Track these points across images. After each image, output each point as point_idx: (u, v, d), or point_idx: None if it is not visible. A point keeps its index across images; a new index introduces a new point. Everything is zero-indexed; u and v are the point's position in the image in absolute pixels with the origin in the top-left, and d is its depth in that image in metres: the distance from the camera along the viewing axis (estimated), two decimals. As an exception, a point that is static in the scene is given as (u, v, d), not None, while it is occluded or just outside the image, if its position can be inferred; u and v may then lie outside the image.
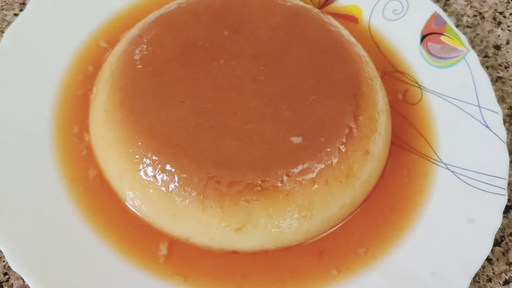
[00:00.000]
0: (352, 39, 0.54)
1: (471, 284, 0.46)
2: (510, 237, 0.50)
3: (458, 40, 0.57)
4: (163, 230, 0.45)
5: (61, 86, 0.51)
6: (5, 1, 0.60)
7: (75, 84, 0.52)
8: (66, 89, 0.51)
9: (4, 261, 0.44)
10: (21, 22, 0.52)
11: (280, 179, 0.43)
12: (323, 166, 0.44)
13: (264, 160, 0.43)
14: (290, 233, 0.45)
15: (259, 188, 0.43)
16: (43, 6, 0.54)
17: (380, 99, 0.51)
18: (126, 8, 0.58)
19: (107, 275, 0.42)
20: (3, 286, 0.43)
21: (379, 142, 0.49)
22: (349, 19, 0.61)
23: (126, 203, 0.46)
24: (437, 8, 0.58)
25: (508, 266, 0.48)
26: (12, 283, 0.43)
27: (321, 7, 0.61)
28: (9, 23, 0.58)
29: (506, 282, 0.47)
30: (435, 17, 0.58)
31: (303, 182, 0.44)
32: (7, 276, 0.44)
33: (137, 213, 0.45)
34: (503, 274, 0.48)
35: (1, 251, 0.44)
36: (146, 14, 0.55)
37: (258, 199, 0.43)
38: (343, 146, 0.45)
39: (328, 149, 0.44)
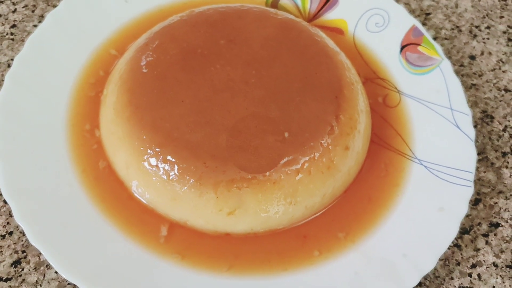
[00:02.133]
0: (336, 48, 0.60)
1: (441, 267, 0.51)
2: (478, 226, 0.55)
3: (434, 50, 0.62)
4: (164, 214, 0.50)
5: (75, 88, 0.57)
6: (25, 14, 0.67)
7: (88, 87, 0.58)
8: (80, 90, 0.57)
9: (22, 241, 0.50)
10: (40, 32, 0.58)
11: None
12: (306, 158, 0.50)
13: (255, 152, 0.49)
14: (276, 218, 0.50)
15: (249, 177, 0.48)
16: (60, 18, 0.60)
17: (361, 101, 0.57)
18: (133, 20, 0.64)
19: (114, 252, 0.47)
20: (21, 262, 0.49)
21: (358, 139, 0.54)
22: (335, 31, 0.67)
23: (132, 190, 0.51)
24: (415, 22, 0.64)
25: (475, 252, 0.53)
26: (30, 260, 0.49)
27: (310, 20, 0.67)
28: (29, 33, 0.65)
29: (473, 266, 0.52)
30: (413, 29, 0.64)
31: (289, 172, 0.49)
32: (25, 254, 0.49)
33: (141, 199, 0.51)
34: (471, 258, 0.53)
35: (21, 232, 0.50)
36: (151, 26, 0.61)
37: (248, 186, 0.48)
38: (325, 141, 0.51)
39: (312, 143, 0.50)
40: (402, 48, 0.64)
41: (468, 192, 0.52)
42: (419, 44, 0.63)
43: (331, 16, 0.67)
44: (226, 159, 0.48)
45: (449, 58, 0.68)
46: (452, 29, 0.72)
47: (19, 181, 0.48)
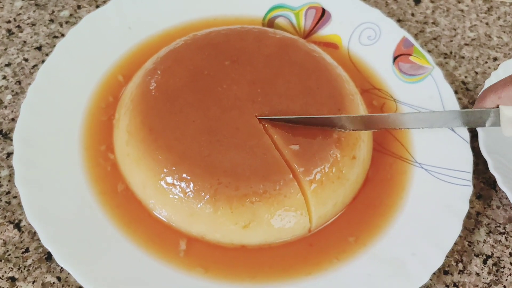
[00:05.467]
0: (333, 62, 0.64)
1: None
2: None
3: (424, 59, 0.66)
4: (181, 229, 0.52)
5: (87, 113, 0.59)
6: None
7: (99, 111, 0.60)
8: (91, 115, 0.59)
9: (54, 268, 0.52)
10: (50, 62, 0.61)
11: (278, 183, 0.51)
12: (318, 169, 0.52)
13: (264, 167, 0.52)
14: (289, 229, 0.52)
15: (261, 191, 0.51)
16: (68, 48, 0.62)
17: (361, 111, 0.60)
18: (137, 46, 0.67)
19: (137, 268, 0.49)
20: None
21: (363, 148, 0.57)
22: (330, 46, 0.70)
23: (150, 209, 0.53)
24: (405, 33, 0.68)
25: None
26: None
27: (305, 37, 0.71)
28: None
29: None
30: (403, 40, 0.68)
31: (301, 184, 0.52)
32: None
33: (159, 216, 0.53)
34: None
35: (49, 257, 0.52)
36: (155, 51, 0.64)
37: (261, 200, 0.51)
38: (333, 152, 0.54)
39: (321, 155, 0.53)
40: (395, 59, 0.67)
41: (468, 191, 0.55)
42: (410, 54, 0.67)
43: (325, 32, 0.71)
44: (238, 175, 0.51)
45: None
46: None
47: (42, 206, 0.50)
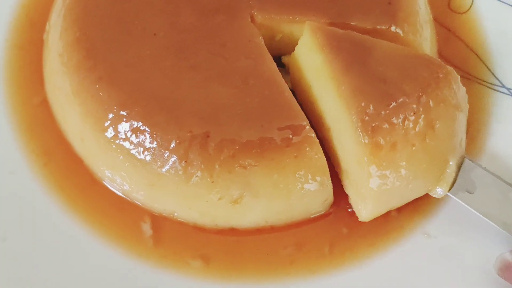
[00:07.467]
0: None
1: None
2: None
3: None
4: (142, 205, 0.36)
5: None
6: None
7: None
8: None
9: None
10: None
11: (286, 136, 0.32)
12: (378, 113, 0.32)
13: (265, 111, 0.33)
14: (302, 204, 0.34)
15: (259, 150, 0.32)
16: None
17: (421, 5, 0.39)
18: None
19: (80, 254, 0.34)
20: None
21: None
22: None
23: (95, 173, 0.36)
24: None
25: None
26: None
27: None
28: None
29: None
30: None
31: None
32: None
33: (108, 186, 0.36)
34: None
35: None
36: None
37: (258, 163, 0.32)
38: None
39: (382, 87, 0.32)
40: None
41: None
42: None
43: None
44: (222, 124, 0.32)
45: None
46: None
47: None
